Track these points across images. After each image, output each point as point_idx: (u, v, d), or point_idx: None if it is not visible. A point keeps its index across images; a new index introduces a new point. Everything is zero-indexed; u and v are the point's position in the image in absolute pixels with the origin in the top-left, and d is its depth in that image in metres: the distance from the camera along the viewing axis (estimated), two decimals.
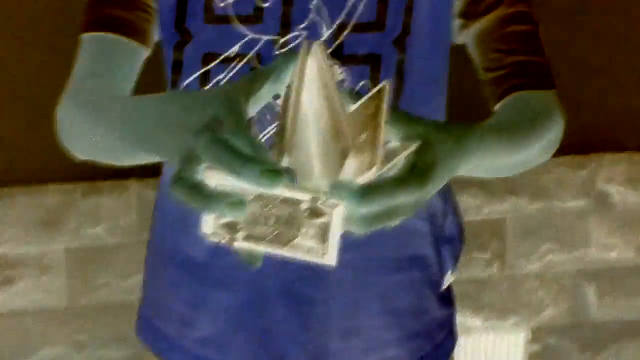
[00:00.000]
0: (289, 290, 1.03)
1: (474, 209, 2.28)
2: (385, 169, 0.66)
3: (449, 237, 1.14)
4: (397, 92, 0.99)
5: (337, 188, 0.61)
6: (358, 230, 0.64)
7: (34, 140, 2.09)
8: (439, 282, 1.13)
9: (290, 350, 1.06)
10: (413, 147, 0.67)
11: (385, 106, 0.68)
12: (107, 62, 1.00)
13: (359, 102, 0.71)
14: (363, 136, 0.67)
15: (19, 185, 2.12)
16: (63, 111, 0.97)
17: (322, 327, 1.05)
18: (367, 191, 0.62)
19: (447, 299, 1.16)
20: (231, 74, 0.99)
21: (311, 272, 1.00)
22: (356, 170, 0.66)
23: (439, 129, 0.70)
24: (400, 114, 0.70)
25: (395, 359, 1.10)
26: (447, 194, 1.14)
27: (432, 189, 0.68)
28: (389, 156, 0.68)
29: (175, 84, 1.02)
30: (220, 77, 0.99)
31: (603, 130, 2.31)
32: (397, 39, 0.97)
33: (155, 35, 1.04)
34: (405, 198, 0.64)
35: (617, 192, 2.34)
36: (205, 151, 0.61)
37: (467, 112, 1.02)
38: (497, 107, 1.00)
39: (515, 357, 2.42)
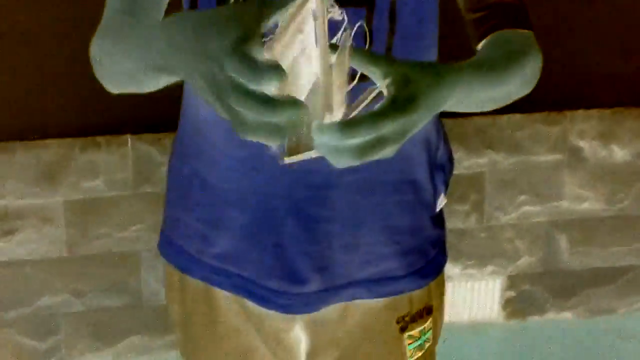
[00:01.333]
0: (297, 209, 1.13)
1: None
2: (356, 111, 0.75)
3: (440, 164, 1.24)
4: (391, 31, 1.07)
5: (319, 126, 0.71)
6: (352, 162, 0.74)
7: (33, 96, 2.17)
8: (432, 205, 1.23)
9: (300, 263, 1.16)
10: (378, 89, 0.76)
11: (347, 54, 0.76)
12: (134, 1, 1.08)
13: (335, 55, 0.77)
14: (336, 84, 0.74)
15: (19, 140, 2.18)
16: (93, 47, 1.06)
17: (327, 242, 1.16)
18: (347, 125, 0.71)
19: (439, 220, 1.26)
20: None
21: (316, 193, 1.11)
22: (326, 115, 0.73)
23: (418, 66, 0.80)
24: (380, 57, 0.79)
25: (392, 272, 1.21)
26: (438, 125, 1.24)
27: (417, 119, 0.77)
28: (363, 100, 0.76)
29: None
30: None
31: (575, 88, 2.39)
32: None
33: None
34: (389, 128, 0.73)
35: (589, 147, 2.43)
36: (232, 98, 0.69)
37: (458, 52, 1.10)
38: (478, 46, 1.09)
39: (493, 303, 2.53)
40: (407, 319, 1.22)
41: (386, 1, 1.06)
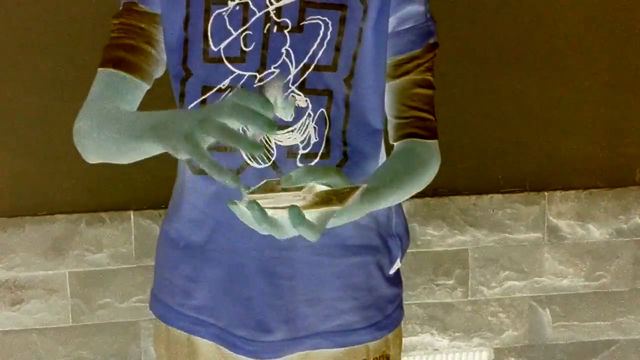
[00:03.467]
0: (265, 268, 1.29)
1: (438, 239, 2.46)
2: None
3: (395, 234, 1.41)
4: (345, 118, 1.28)
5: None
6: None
7: (42, 175, 2.29)
8: (387, 267, 1.39)
9: (267, 314, 1.32)
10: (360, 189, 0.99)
11: (351, 199, 0.98)
12: (115, 90, 1.27)
13: (348, 185, 1.01)
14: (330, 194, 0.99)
15: (29, 216, 2.29)
16: (78, 123, 1.24)
17: (291, 297, 1.32)
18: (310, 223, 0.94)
19: (395, 281, 1.43)
20: None
21: (281, 253, 1.29)
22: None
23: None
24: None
25: (352, 324, 1.36)
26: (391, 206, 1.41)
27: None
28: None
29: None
30: None
31: (554, 171, 2.48)
32: (346, 79, 1.26)
33: (155, 74, 1.32)
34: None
35: (567, 226, 2.51)
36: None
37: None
38: (394, 143, 1.32)
39: None
40: None
41: (342, 93, 1.26)
